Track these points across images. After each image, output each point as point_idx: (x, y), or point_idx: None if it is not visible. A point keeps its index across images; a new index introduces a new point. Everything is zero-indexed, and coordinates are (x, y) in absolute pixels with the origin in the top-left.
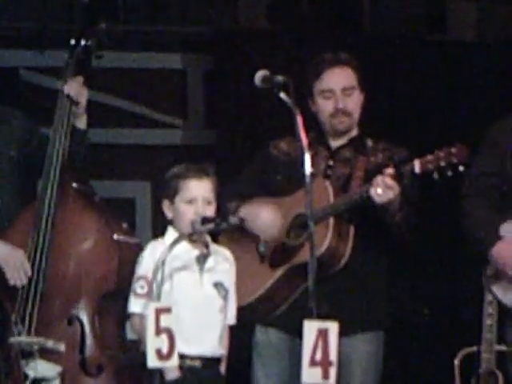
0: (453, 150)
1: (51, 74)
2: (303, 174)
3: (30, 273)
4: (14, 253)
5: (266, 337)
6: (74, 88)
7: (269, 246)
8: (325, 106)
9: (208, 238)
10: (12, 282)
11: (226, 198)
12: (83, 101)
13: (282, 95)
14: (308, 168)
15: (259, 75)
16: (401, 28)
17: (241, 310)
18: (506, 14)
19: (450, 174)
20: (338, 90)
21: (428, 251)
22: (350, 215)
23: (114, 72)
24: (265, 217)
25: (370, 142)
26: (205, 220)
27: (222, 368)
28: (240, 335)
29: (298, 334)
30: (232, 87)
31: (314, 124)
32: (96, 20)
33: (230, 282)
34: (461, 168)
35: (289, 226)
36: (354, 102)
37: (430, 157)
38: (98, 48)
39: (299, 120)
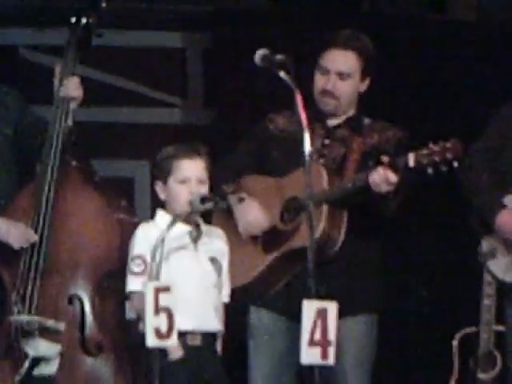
0: (448, 144)
1: (51, 53)
2: (299, 153)
3: (35, 237)
4: (16, 226)
5: (258, 318)
6: (71, 88)
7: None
8: (318, 82)
9: (199, 219)
10: (17, 246)
11: (220, 173)
12: (79, 99)
13: (282, 74)
14: (308, 148)
15: (259, 54)
16: (401, 7)
17: (234, 292)
18: None
19: (444, 169)
20: (333, 72)
21: (427, 233)
22: (342, 200)
23: (114, 50)
24: (250, 218)
25: (366, 121)
26: (204, 199)
27: (219, 347)
28: (234, 316)
29: (291, 315)
30: (232, 66)
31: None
32: None
33: (223, 259)
34: (455, 163)
35: (282, 209)
36: (346, 88)
37: (424, 150)
38: (99, 26)
39: (299, 99)
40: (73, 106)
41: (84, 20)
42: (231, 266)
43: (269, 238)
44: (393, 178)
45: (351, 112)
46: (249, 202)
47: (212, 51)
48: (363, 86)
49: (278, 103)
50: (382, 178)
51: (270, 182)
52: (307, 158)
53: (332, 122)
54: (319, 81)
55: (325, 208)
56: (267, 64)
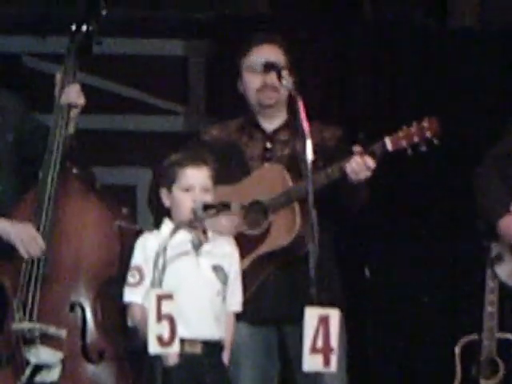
0: (424, 124)
1: (54, 60)
2: (244, 160)
3: (44, 246)
4: (25, 228)
5: (235, 332)
6: (72, 96)
7: None
8: (252, 81)
9: (206, 226)
10: (26, 256)
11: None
12: (79, 107)
13: (284, 81)
14: (309, 155)
15: (261, 61)
16: (401, 14)
17: None
18: (507, 0)
19: (424, 149)
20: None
21: (429, 238)
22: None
23: (116, 58)
24: (222, 226)
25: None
26: (206, 206)
27: (225, 357)
28: None
29: (263, 323)
30: (233, 73)
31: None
32: (97, 6)
33: (231, 267)
34: (435, 141)
35: (244, 215)
36: (286, 78)
37: (400, 133)
38: (99, 34)
39: (300, 105)
40: (74, 113)
41: (84, 28)
42: None
43: (238, 246)
44: (371, 163)
45: (283, 115)
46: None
47: (214, 59)
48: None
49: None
50: (361, 165)
51: (222, 190)
52: (309, 164)
53: (270, 126)
54: (254, 79)
55: (297, 206)
56: (269, 71)
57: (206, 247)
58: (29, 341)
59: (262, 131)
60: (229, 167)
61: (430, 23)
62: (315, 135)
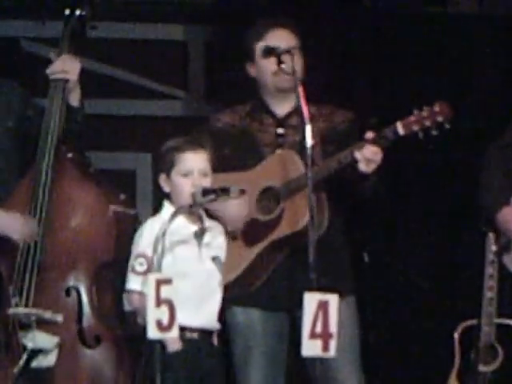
0: (435, 108)
1: (53, 45)
2: (256, 146)
3: (37, 231)
4: (17, 215)
5: (247, 317)
6: (55, 69)
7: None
8: (267, 65)
9: (202, 213)
10: (21, 243)
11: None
12: (72, 77)
13: (284, 66)
14: (309, 141)
15: (261, 46)
16: (401, 1)
17: None
18: None
19: (435, 133)
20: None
21: (429, 224)
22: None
23: (116, 43)
24: (232, 210)
25: (313, 107)
26: (205, 191)
27: (215, 340)
28: None
29: (276, 309)
30: (233, 58)
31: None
32: None
33: (223, 256)
34: (447, 125)
35: (256, 202)
36: (297, 62)
37: (412, 118)
38: (94, 18)
39: (301, 91)
40: (70, 85)
41: (78, 12)
42: None
43: (250, 232)
44: (380, 155)
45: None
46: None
47: (213, 43)
48: (304, 68)
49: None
50: (374, 154)
51: (235, 177)
52: (309, 150)
53: (281, 111)
54: (268, 63)
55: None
56: (269, 56)
57: (206, 238)
58: (25, 326)
59: (273, 116)
60: (242, 154)
61: (430, 9)
62: (326, 119)
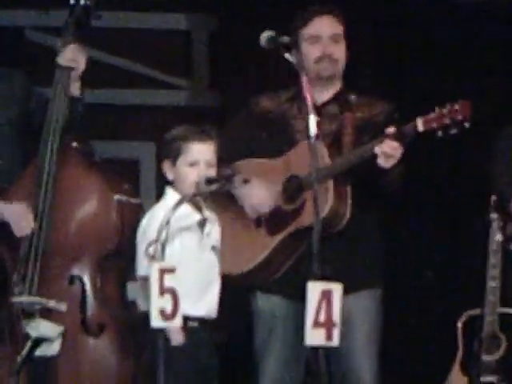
0: (456, 106)
1: (57, 34)
2: (291, 133)
3: (33, 225)
4: (16, 207)
5: (269, 304)
6: (67, 57)
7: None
8: (311, 51)
9: (202, 202)
10: (18, 235)
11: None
12: (81, 67)
13: (288, 56)
14: (313, 130)
15: (265, 36)
16: None
17: (239, 278)
18: None
19: (454, 131)
20: (326, 36)
21: (432, 213)
22: (346, 175)
23: (120, 32)
24: (258, 198)
25: (353, 97)
26: (209, 180)
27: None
28: (237, 302)
29: (301, 298)
30: (237, 48)
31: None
32: None
33: (219, 246)
34: (466, 125)
35: (281, 190)
36: (341, 50)
37: (432, 115)
38: (98, 8)
39: (304, 81)
40: (74, 75)
41: (82, 1)
42: (235, 251)
43: (273, 220)
44: (397, 146)
45: (338, 86)
46: (254, 183)
47: (217, 33)
48: (347, 56)
49: (283, 85)
50: (392, 148)
51: (265, 163)
52: (312, 139)
53: (320, 98)
54: (312, 49)
55: (330, 184)
56: (273, 46)
57: (207, 228)
58: (28, 314)
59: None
60: (277, 140)
61: None
62: (364, 109)
